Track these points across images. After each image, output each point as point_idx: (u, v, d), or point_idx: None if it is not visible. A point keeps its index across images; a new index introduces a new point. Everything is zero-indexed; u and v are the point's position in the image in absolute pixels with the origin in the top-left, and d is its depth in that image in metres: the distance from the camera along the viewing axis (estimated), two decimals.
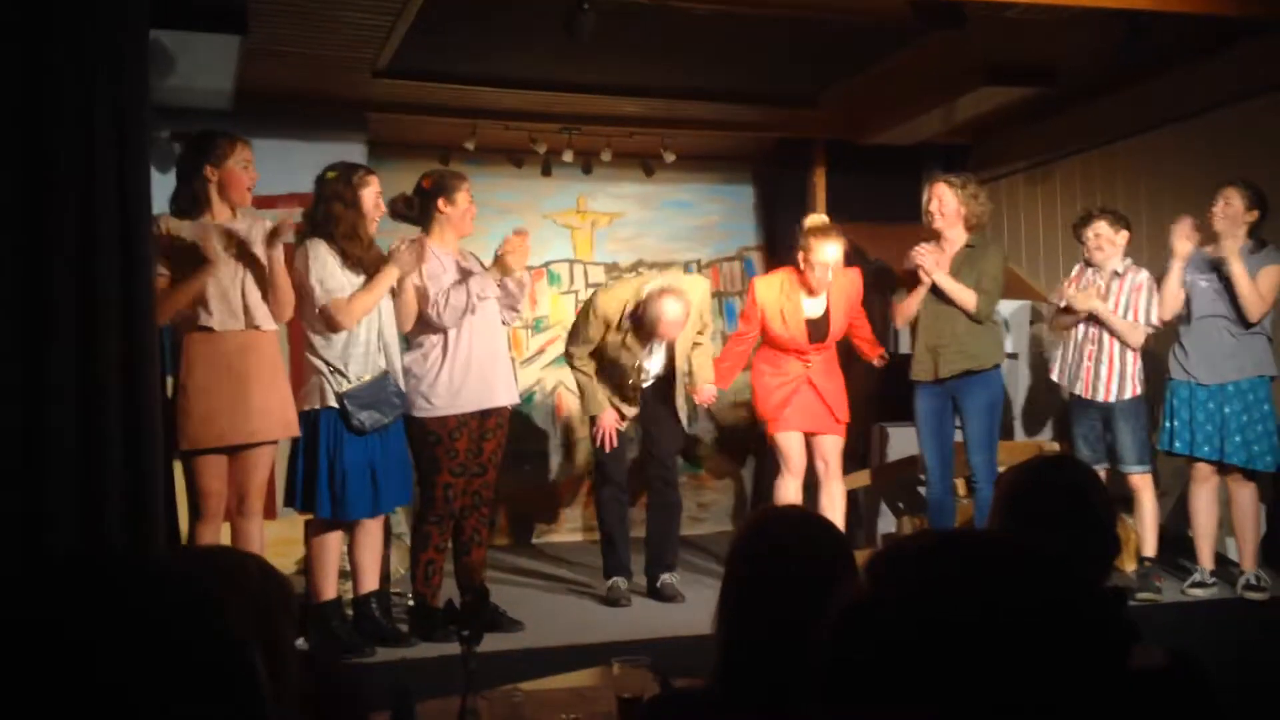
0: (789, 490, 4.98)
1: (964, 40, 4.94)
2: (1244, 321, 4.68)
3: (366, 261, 4.08)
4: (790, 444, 5.00)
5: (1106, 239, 4.90)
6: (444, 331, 4.26)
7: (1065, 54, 5.45)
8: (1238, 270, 4.63)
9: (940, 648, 0.82)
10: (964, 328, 4.84)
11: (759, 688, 1.59)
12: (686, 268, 6.71)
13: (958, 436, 5.03)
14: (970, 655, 0.82)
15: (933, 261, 4.83)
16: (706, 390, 5.01)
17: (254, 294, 3.89)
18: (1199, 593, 4.69)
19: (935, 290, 4.87)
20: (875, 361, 5.20)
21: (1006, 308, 6.05)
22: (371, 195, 4.16)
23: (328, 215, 4.07)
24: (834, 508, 4.87)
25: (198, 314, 3.81)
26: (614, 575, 4.87)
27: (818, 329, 4.95)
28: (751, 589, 1.70)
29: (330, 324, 4.01)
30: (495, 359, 4.36)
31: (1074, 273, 5.08)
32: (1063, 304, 5.01)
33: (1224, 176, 4.89)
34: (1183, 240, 4.69)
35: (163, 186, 3.73)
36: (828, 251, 4.83)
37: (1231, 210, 4.71)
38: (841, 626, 0.88)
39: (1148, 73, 5.62)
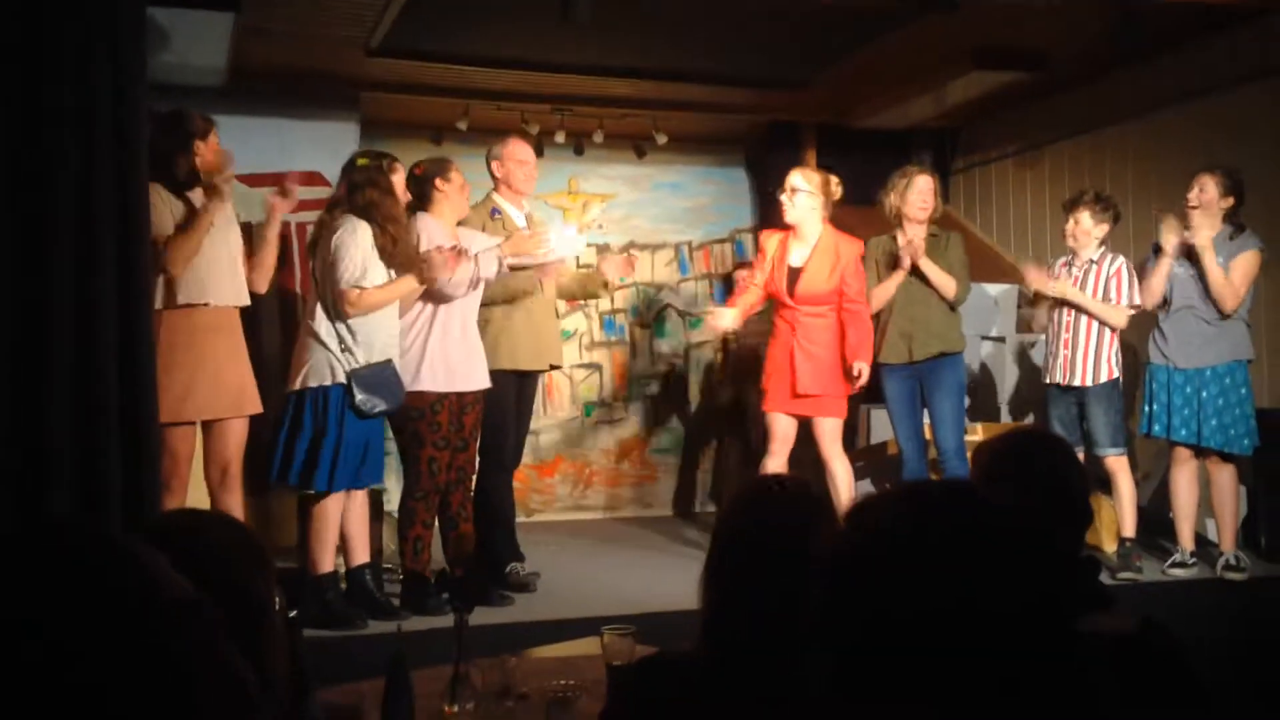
0: (768, 471, 4.99)
1: (955, 24, 4.98)
2: (1220, 310, 4.75)
3: (397, 253, 4.11)
4: (774, 424, 5.01)
5: (1083, 230, 4.97)
6: (430, 311, 4.30)
7: (1056, 39, 5.49)
8: (1209, 263, 4.69)
9: (909, 586, 0.88)
10: (938, 313, 4.95)
11: (741, 652, 1.65)
12: (678, 250, 6.75)
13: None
14: (937, 595, 0.87)
15: (918, 251, 4.92)
16: None
17: (232, 269, 3.95)
18: (1179, 573, 4.76)
19: (912, 276, 4.94)
20: (852, 370, 4.88)
21: (994, 290, 6.12)
22: (401, 182, 4.21)
23: (367, 202, 4.09)
24: (837, 491, 4.86)
25: (173, 290, 3.85)
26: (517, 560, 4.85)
27: (794, 278, 4.92)
28: (733, 559, 1.75)
29: (339, 307, 4.05)
30: (476, 341, 4.42)
31: (1054, 268, 5.16)
32: (1032, 293, 5.11)
33: (1208, 162, 4.94)
34: (1172, 236, 4.74)
35: None
36: (793, 177, 4.98)
37: (1206, 197, 4.77)
38: (827, 572, 0.93)
39: (1138, 58, 5.67)
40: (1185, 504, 4.84)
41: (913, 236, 4.94)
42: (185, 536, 1.45)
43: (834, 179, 5.02)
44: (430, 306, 4.32)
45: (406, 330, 4.31)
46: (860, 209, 5.33)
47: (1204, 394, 4.74)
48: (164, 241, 3.74)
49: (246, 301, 4.06)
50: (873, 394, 5.34)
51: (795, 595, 1.53)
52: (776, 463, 5.03)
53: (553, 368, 5.05)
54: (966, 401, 5.38)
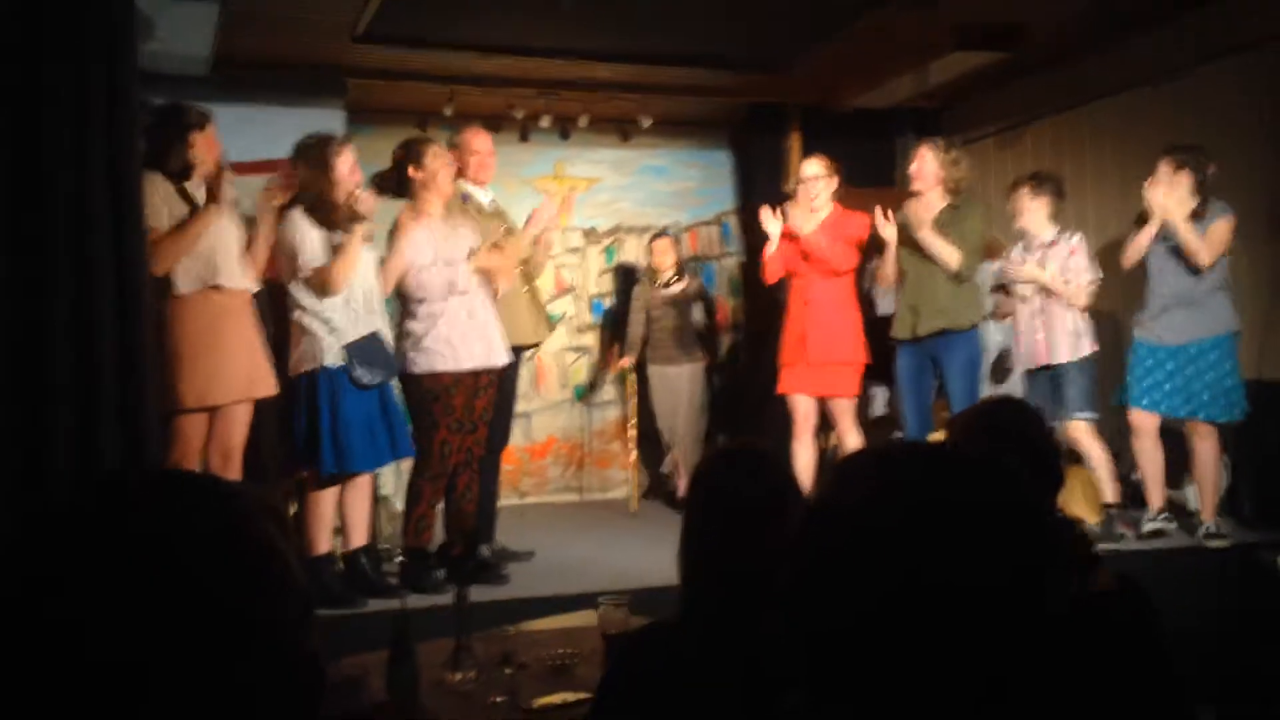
0: (796, 454, 5.04)
1: (935, 5, 5.02)
2: (1203, 282, 4.81)
3: (339, 224, 4.15)
4: (794, 405, 5.15)
5: (1024, 208, 5.04)
6: (445, 296, 4.35)
7: (1036, 18, 5.54)
8: (1181, 226, 4.72)
9: (892, 540, 0.92)
10: (943, 287, 4.96)
11: (716, 617, 1.71)
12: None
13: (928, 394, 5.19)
14: (919, 548, 0.91)
15: (917, 219, 4.98)
16: None
17: (238, 253, 3.99)
18: (1152, 528, 4.81)
19: (918, 249, 4.99)
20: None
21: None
22: (345, 163, 4.23)
23: (305, 182, 4.14)
24: None
25: (187, 273, 3.88)
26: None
27: (806, 247, 5.08)
28: (701, 527, 1.80)
29: (320, 291, 4.09)
30: (491, 320, 4.44)
31: (1009, 255, 5.22)
32: (997, 283, 5.18)
33: (1191, 137, 5.01)
34: (1156, 192, 4.78)
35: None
36: (806, 167, 5.23)
37: (1164, 177, 4.80)
38: (805, 522, 0.97)
39: (1116, 36, 5.73)
40: (1151, 467, 4.91)
41: (907, 207, 5.03)
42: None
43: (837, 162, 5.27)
44: (446, 292, 4.36)
45: (421, 314, 4.35)
46: (845, 189, 5.39)
47: (1190, 369, 4.79)
48: (155, 236, 3.75)
49: (255, 285, 4.09)
50: (878, 373, 5.42)
51: (764, 560, 1.59)
52: (803, 445, 5.11)
53: (532, 346, 5.09)
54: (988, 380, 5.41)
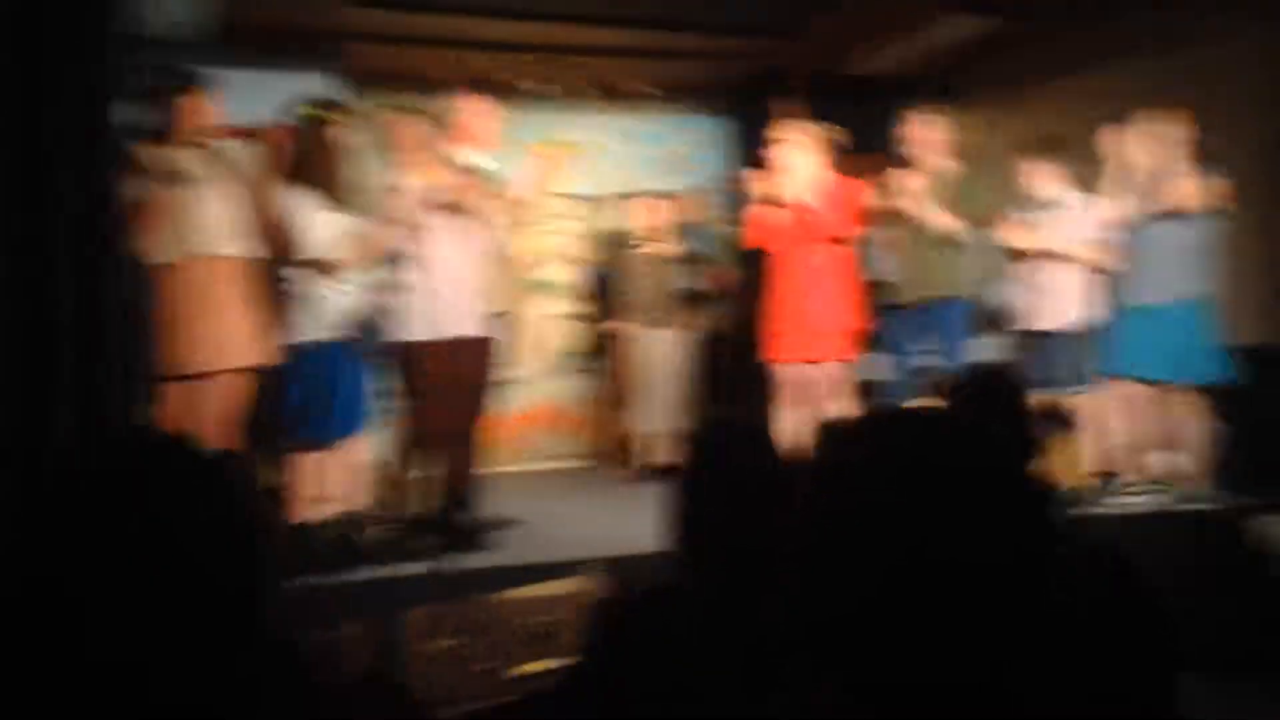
0: (785, 421, 5.02)
1: None
2: (1181, 244, 4.77)
3: (343, 200, 4.14)
4: (782, 374, 5.08)
5: (1033, 173, 5.01)
6: (414, 260, 4.33)
7: None
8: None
9: (886, 508, 0.93)
10: (937, 254, 4.95)
11: (720, 588, 1.72)
12: (643, 192, 6.77)
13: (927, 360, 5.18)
14: (911, 515, 0.92)
15: (917, 191, 4.96)
16: None
17: (233, 220, 3.97)
18: (1131, 499, 4.81)
19: (915, 216, 4.98)
20: None
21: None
22: (341, 131, 4.21)
23: (305, 154, 4.10)
24: None
25: (175, 240, 3.87)
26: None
27: (803, 215, 5.03)
28: (702, 501, 1.81)
29: (323, 274, 4.08)
30: (465, 289, 4.42)
31: (1020, 219, 5.20)
32: (1012, 249, 5.15)
33: (1194, 107, 4.98)
34: (1111, 145, 4.76)
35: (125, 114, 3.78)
36: (787, 129, 5.13)
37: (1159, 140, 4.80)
38: (805, 496, 0.98)
39: (1117, 1, 5.68)
40: (1136, 434, 4.92)
41: (904, 175, 5.02)
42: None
43: (829, 125, 5.14)
44: (413, 255, 4.35)
45: (393, 278, 4.35)
46: (849, 156, 5.36)
47: (1171, 331, 4.80)
48: (131, 210, 3.71)
49: (251, 252, 4.03)
50: (870, 338, 5.41)
51: (767, 535, 1.59)
52: (790, 412, 5.08)
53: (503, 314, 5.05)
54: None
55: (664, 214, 6.51)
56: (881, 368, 5.23)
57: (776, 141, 5.03)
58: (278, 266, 4.15)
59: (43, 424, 3.09)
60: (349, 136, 4.24)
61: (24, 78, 3.13)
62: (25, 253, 3.12)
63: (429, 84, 6.16)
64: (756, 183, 5.17)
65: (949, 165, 5.03)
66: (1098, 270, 4.93)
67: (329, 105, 4.26)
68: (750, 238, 5.27)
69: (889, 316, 5.12)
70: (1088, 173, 5.12)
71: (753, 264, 6.46)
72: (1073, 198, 5.00)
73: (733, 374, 7.02)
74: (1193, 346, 4.80)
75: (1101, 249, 4.95)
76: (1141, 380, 4.92)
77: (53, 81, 3.15)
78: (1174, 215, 4.79)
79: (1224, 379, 4.83)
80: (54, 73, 3.16)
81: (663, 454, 6.34)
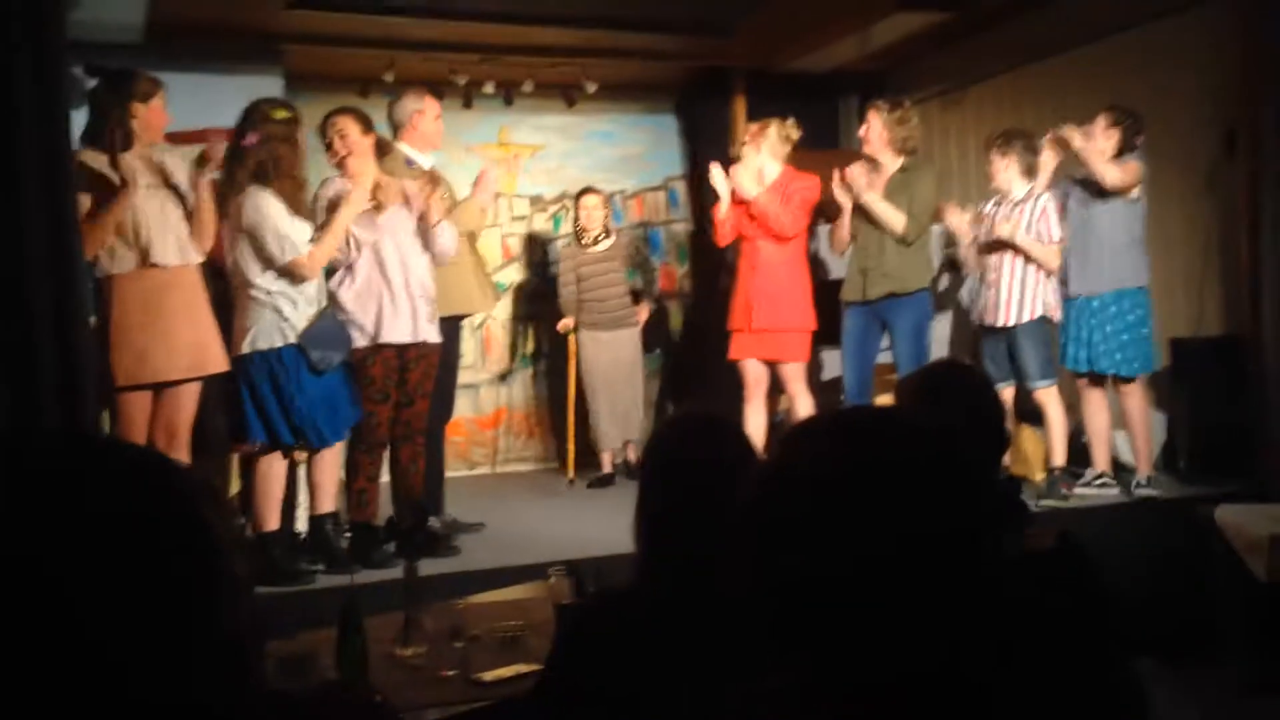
0: (748, 419, 5.08)
1: None
2: (1118, 234, 4.85)
3: (303, 203, 4.09)
4: (744, 370, 5.18)
5: (995, 168, 5.08)
6: (354, 266, 4.29)
7: None
8: (1096, 162, 4.78)
9: (834, 504, 0.94)
10: (891, 251, 4.99)
11: (671, 584, 1.71)
12: (610, 199, 6.75)
13: (884, 358, 5.23)
14: (866, 510, 0.93)
15: (864, 183, 4.99)
16: None
17: (178, 228, 3.90)
18: (1088, 491, 4.89)
19: (867, 213, 5.02)
20: None
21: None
22: (304, 135, 4.16)
23: (274, 158, 4.02)
24: None
25: (121, 250, 3.79)
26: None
27: (752, 211, 5.10)
28: (660, 495, 1.80)
29: (294, 277, 4.02)
30: (406, 294, 4.38)
31: (983, 210, 5.25)
32: (970, 240, 5.20)
33: (1129, 97, 5.07)
34: (1076, 133, 4.84)
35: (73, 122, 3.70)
36: (749, 129, 5.28)
37: (1095, 130, 4.87)
38: (757, 487, 0.99)
39: None
40: (1094, 427, 4.99)
41: (854, 170, 5.05)
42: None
43: (790, 122, 5.22)
44: (354, 262, 4.30)
45: (334, 286, 4.30)
46: (797, 152, 5.39)
47: (1105, 322, 4.87)
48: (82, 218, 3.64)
49: (197, 259, 3.98)
50: (829, 336, 5.47)
51: (723, 528, 1.59)
52: (754, 409, 5.15)
53: (478, 314, 5.02)
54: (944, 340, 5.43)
55: (606, 208, 6.43)
56: (841, 365, 5.26)
57: (743, 139, 5.11)
58: (238, 272, 4.08)
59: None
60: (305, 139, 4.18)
61: None
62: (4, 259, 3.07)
63: (367, 86, 6.11)
64: (721, 180, 5.21)
65: (898, 160, 5.07)
66: (1047, 267, 4.99)
67: (291, 107, 4.18)
68: (718, 235, 5.30)
69: (848, 313, 5.15)
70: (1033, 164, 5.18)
71: (710, 261, 6.50)
72: (1021, 190, 5.06)
73: (692, 373, 7.06)
74: (1117, 336, 4.88)
75: (1053, 244, 5.02)
76: (1074, 373, 5.00)
77: (16, 92, 3.10)
78: (1105, 201, 4.87)
79: (1145, 369, 4.91)
80: (18, 84, 3.11)
81: (624, 453, 6.35)
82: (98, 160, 3.78)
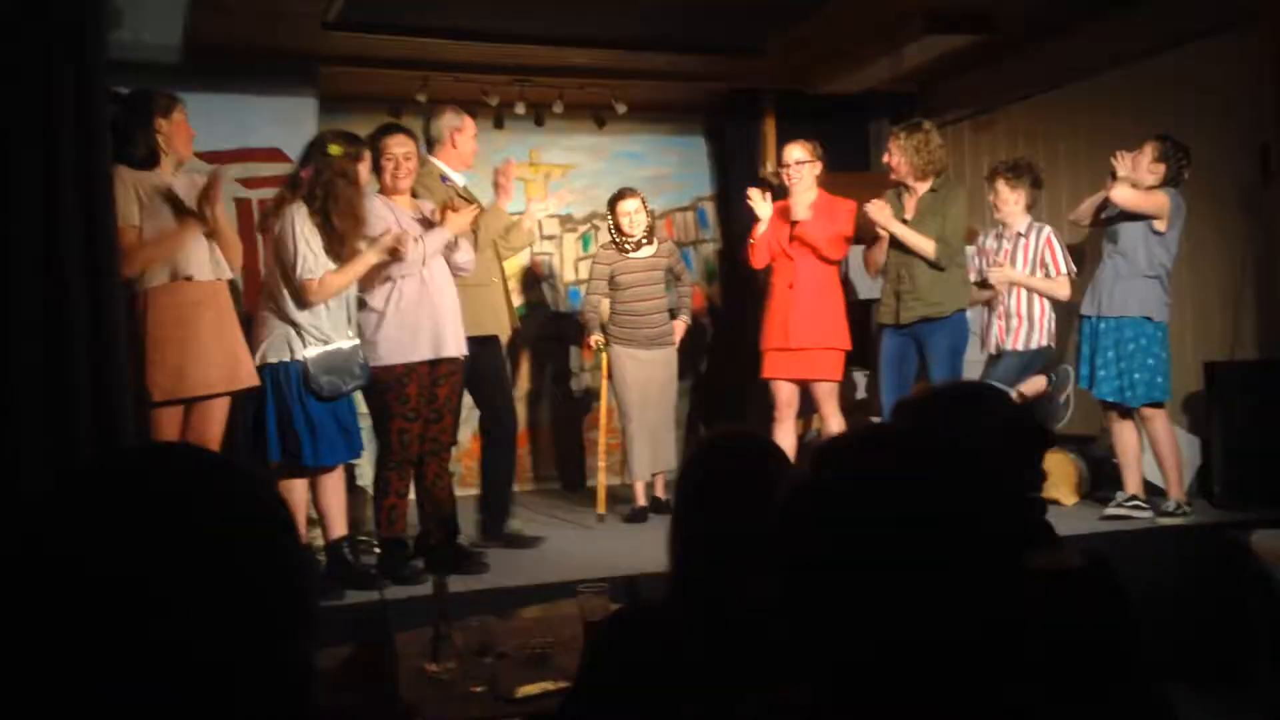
0: (778, 439, 5.01)
1: None
2: (1130, 265, 4.81)
3: (345, 250, 4.09)
4: (776, 391, 5.20)
5: (1002, 200, 5.07)
6: (390, 282, 4.33)
7: (1005, 2, 5.57)
8: (1134, 193, 4.74)
9: (868, 524, 0.94)
10: (925, 274, 4.96)
11: (709, 602, 1.71)
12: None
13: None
14: (890, 533, 0.94)
15: (885, 215, 4.98)
16: None
17: (202, 246, 3.95)
18: (1115, 511, 4.83)
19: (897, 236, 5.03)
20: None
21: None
22: (366, 170, 4.20)
23: (328, 192, 4.05)
24: None
25: (160, 266, 3.85)
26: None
27: (793, 232, 5.17)
28: (699, 513, 1.80)
29: (299, 299, 4.06)
30: (443, 310, 4.42)
31: (982, 245, 5.25)
32: (978, 279, 5.20)
33: (1163, 120, 5.05)
34: (1125, 161, 4.80)
35: None
36: (790, 152, 5.27)
37: (1143, 159, 4.83)
38: (788, 504, 1.00)
39: (1088, 19, 5.77)
40: (1123, 450, 4.94)
41: (884, 196, 5.06)
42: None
43: (824, 145, 5.31)
44: (390, 278, 4.34)
45: (368, 304, 4.34)
46: (827, 174, 5.41)
47: (1123, 350, 4.82)
48: (124, 235, 3.69)
49: (228, 275, 4.04)
50: (858, 357, 5.46)
51: (757, 546, 1.59)
52: (784, 430, 5.15)
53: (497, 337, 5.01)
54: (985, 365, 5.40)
55: (649, 211, 5.94)
56: (871, 385, 5.27)
57: (782, 162, 5.19)
58: (265, 287, 4.13)
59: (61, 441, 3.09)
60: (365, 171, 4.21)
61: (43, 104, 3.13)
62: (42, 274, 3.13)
63: (400, 106, 6.18)
64: (760, 202, 5.23)
65: (926, 182, 5.07)
66: (1055, 299, 5.00)
67: (353, 140, 4.20)
68: (754, 256, 5.32)
69: (884, 336, 5.15)
70: (1057, 191, 5.18)
71: (746, 282, 6.47)
72: (1024, 223, 5.06)
73: (723, 394, 7.05)
74: (1135, 365, 4.83)
75: (1061, 276, 5.01)
76: (1100, 399, 4.97)
77: (58, 109, 3.16)
78: (1129, 225, 4.84)
79: (1157, 397, 4.84)
80: (59, 101, 3.17)
81: (653, 489, 5.89)
82: (142, 179, 3.84)
